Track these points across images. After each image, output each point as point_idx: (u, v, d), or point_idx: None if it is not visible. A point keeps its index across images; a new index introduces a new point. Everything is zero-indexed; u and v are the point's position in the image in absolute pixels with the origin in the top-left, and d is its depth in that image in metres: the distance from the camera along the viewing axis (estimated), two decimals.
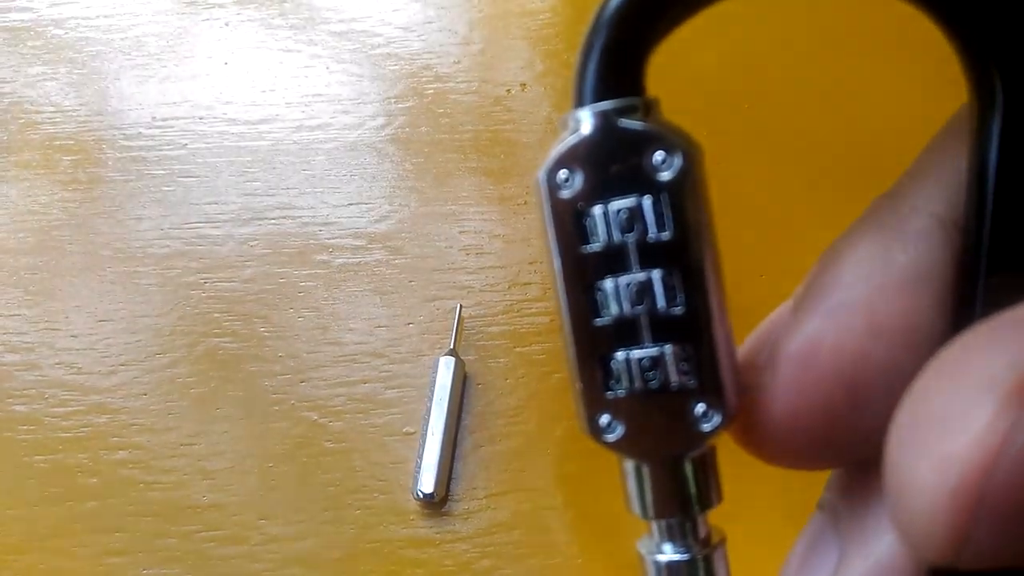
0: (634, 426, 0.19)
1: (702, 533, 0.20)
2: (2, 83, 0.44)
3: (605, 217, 0.18)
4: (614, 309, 0.19)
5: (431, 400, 0.36)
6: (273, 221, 0.40)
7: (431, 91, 0.43)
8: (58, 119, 0.43)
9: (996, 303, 0.17)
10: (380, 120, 0.43)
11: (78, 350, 0.38)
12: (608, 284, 0.19)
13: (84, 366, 0.38)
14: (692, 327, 0.19)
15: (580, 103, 0.17)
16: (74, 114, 0.43)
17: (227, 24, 0.45)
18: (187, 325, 0.38)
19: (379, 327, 0.38)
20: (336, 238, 0.40)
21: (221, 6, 0.45)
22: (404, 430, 0.36)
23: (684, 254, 0.19)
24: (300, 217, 0.40)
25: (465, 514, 0.35)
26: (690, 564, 0.20)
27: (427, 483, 0.34)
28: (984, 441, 0.14)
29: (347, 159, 0.42)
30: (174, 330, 0.38)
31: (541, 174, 0.17)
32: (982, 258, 0.18)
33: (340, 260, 0.39)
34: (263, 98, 0.43)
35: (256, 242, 0.40)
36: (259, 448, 0.36)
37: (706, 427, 0.19)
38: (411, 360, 0.37)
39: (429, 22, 0.45)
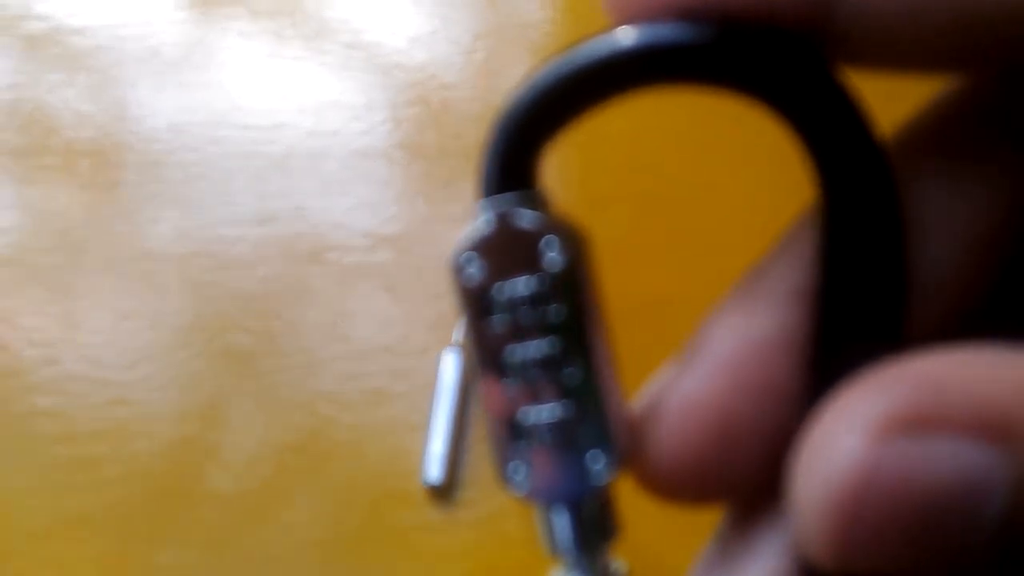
0: (537, 476, 0.22)
1: (606, 566, 0.23)
2: (23, 89, 0.46)
3: (504, 294, 0.21)
4: (518, 373, 0.21)
5: (438, 392, 0.37)
6: (286, 222, 0.42)
7: (437, 99, 0.45)
8: (78, 124, 0.45)
9: (847, 364, 0.19)
10: (388, 126, 0.44)
11: (99, 346, 0.40)
12: (513, 351, 0.21)
13: (105, 361, 0.39)
14: (584, 389, 0.21)
15: (481, 195, 0.20)
16: (94, 120, 0.45)
17: (241, 34, 0.47)
18: (204, 321, 0.40)
19: (388, 323, 0.40)
20: (346, 238, 0.42)
21: (235, 18, 0.47)
22: (412, 421, 0.38)
23: (573, 329, 0.21)
24: (312, 219, 0.42)
25: (471, 502, 0.36)
26: None
27: (435, 472, 0.36)
28: (854, 467, 0.16)
29: (357, 164, 0.43)
30: (192, 326, 0.40)
31: (451, 258, 0.20)
32: (832, 324, 0.20)
33: (350, 260, 0.41)
34: (276, 105, 0.45)
35: (270, 242, 0.42)
36: (274, 438, 0.38)
37: (599, 472, 0.21)
38: (419, 355, 0.39)
39: (434, 33, 0.47)
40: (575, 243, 0.21)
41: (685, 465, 0.21)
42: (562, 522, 0.22)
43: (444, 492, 0.36)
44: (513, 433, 0.22)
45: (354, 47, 0.46)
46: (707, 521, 0.25)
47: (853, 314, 0.20)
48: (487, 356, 0.22)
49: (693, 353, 0.22)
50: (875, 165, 0.20)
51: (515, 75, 0.50)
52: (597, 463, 0.22)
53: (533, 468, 0.22)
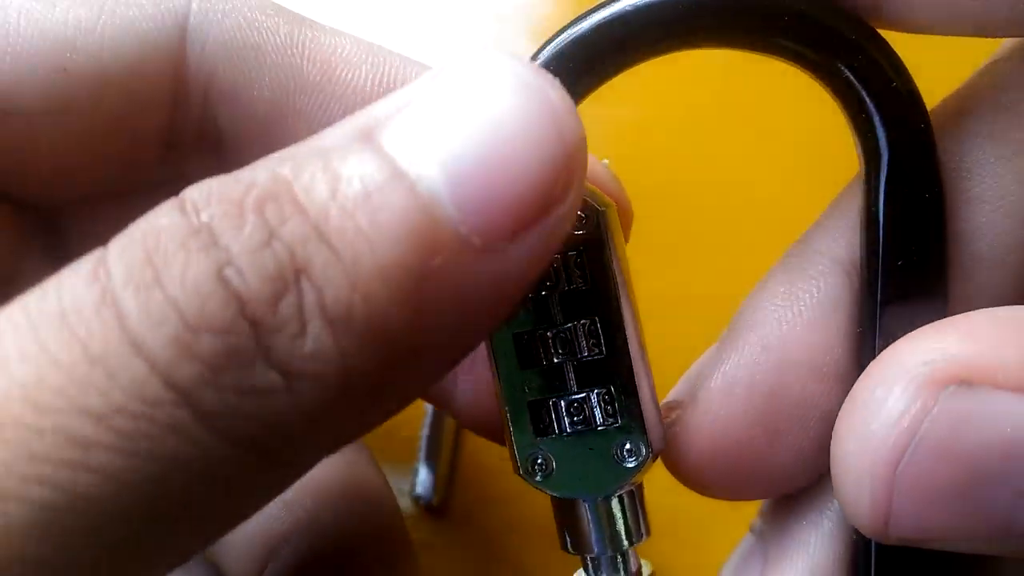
0: (563, 466, 0.21)
1: (632, 567, 0.21)
2: None
3: None
4: (542, 359, 0.20)
5: (430, 408, 0.37)
6: None
7: None
8: None
9: (891, 334, 0.18)
10: None
11: None
12: (535, 336, 0.20)
13: None
14: (613, 371, 0.20)
15: None
16: None
17: None
18: None
19: None
20: None
21: None
22: (404, 436, 0.37)
23: (601, 303, 0.20)
24: None
25: (463, 519, 0.36)
26: None
27: (426, 488, 0.36)
28: (898, 424, 0.16)
29: None
30: None
31: None
32: (877, 293, 0.20)
33: None
34: None
35: None
36: None
37: (631, 464, 0.20)
38: None
39: (430, 22, 0.45)
40: (601, 215, 0.20)
41: (724, 452, 0.20)
42: (589, 518, 0.21)
43: (436, 510, 0.36)
44: (535, 423, 0.21)
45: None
46: (724, 523, 0.23)
47: (898, 279, 0.19)
48: (507, 341, 0.20)
49: (734, 331, 0.21)
50: (918, 132, 0.19)
51: None
52: (630, 455, 0.20)
53: (557, 459, 0.21)
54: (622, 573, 0.21)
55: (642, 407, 0.20)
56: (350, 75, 0.23)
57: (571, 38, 0.19)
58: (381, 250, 0.15)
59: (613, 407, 0.20)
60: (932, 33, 0.19)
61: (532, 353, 0.20)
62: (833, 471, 0.17)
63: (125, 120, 0.22)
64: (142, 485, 0.15)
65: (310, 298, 0.15)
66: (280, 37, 0.23)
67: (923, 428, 0.15)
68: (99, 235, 0.16)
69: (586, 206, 0.20)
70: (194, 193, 0.16)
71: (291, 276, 0.15)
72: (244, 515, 0.17)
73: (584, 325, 0.20)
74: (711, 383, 0.20)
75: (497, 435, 0.24)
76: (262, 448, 0.15)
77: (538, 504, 0.37)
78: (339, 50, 0.23)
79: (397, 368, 0.16)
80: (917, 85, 0.19)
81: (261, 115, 0.23)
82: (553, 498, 0.21)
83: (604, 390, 0.20)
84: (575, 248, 0.20)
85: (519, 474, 0.21)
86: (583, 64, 0.19)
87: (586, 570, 0.22)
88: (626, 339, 0.20)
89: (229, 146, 0.24)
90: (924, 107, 0.19)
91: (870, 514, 0.17)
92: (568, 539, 0.22)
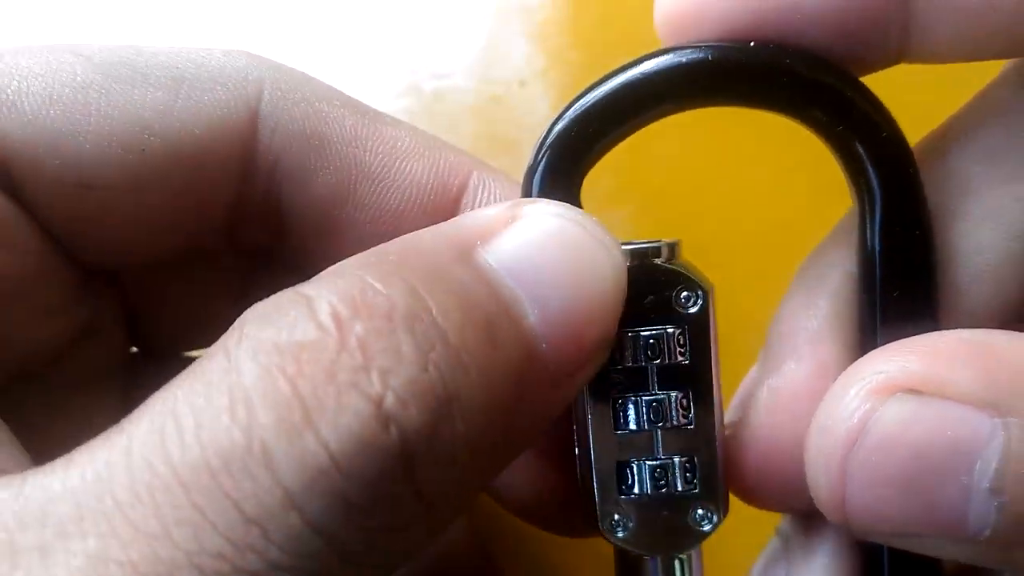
0: (642, 526, 0.22)
1: None
2: None
3: (634, 342, 0.21)
4: (633, 423, 0.22)
5: None
6: None
7: (429, 88, 0.43)
8: None
9: (895, 336, 0.20)
10: None
11: None
12: (631, 400, 0.22)
13: None
14: (698, 441, 0.22)
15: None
16: None
17: None
18: None
19: None
20: None
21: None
22: None
23: (697, 377, 0.22)
24: None
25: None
26: None
27: None
28: (849, 419, 0.18)
29: None
30: None
31: None
32: (876, 316, 0.21)
33: None
34: None
35: None
36: None
37: (706, 527, 0.22)
38: None
39: (427, 19, 0.44)
40: (707, 295, 0.21)
41: (774, 461, 0.22)
42: (654, 572, 0.23)
43: None
44: (619, 483, 0.22)
45: (342, 34, 0.44)
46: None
47: (890, 301, 0.21)
48: (603, 402, 0.22)
49: (769, 346, 0.23)
50: (907, 176, 0.21)
51: (511, 64, 0.48)
52: (704, 520, 0.22)
53: (637, 518, 0.22)
54: None
55: (719, 476, 0.22)
56: (409, 167, 0.25)
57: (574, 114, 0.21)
58: (499, 381, 0.16)
59: (694, 475, 0.22)
60: (953, 61, 0.21)
61: (625, 418, 0.22)
62: (805, 462, 0.20)
63: (194, 196, 0.24)
64: None
65: (461, 430, 0.15)
66: (345, 129, 0.24)
67: (870, 423, 0.17)
68: (163, 295, 0.16)
69: (692, 285, 0.21)
70: (329, 296, 0.16)
71: (446, 408, 0.15)
72: None
73: (678, 397, 0.21)
74: (758, 398, 0.22)
75: (531, 516, 0.26)
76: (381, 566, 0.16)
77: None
78: (399, 143, 0.25)
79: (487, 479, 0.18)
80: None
81: (322, 200, 0.24)
82: (620, 554, 0.23)
83: (686, 459, 0.22)
84: (681, 325, 0.21)
85: (595, 528, 0.22)
86: (584, 142, 0.21)
87: None
88: (714, 412, 0.22)
89: (290, 225, 0.25)
90: (911, 152, 0.21)
91: (827, 497, 0.18)
92: None
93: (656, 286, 0.21)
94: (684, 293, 0.21)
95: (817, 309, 0.22)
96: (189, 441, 0.15)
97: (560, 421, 0.21)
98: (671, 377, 0.22)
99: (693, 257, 0.39)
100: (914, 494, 0.17)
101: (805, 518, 0.23)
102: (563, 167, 0.20)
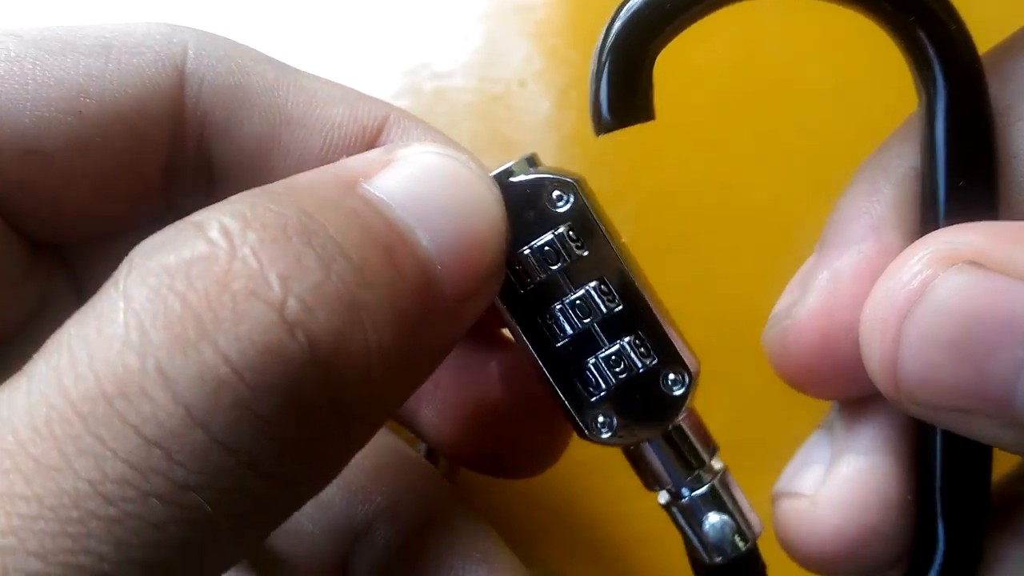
0: (623, 416, 0.22)
1: (709, 467, 0.23)
2: None
3: (534, 257, 0.22)
4: (568, 328, 0.22)
5: None
6: None
7: (429, 88, 0.43)
8: None
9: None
10: None
11: None
12: (555, 310, 0.22)
13: None
14: (635, 316, 0.22)
15: (602, 113, 0.21)
16: None
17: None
18: None
19: None
20: None
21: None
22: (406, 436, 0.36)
23: (603, 261, 0.22)
24: None
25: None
26: (712, 491, 0.23)
27: None
28: (908, 284, 0.18)
29: None
30: None
31: None
32: (939, 207, 0.21)
33: None
34: None
35: None
36: None
37: (679, 391, 0.22)
38: None
39: (427, 19, 0.44)
40: (576, 187, 0.22)
41: (830, 343, 0.22)
42: (658, 456, 0.23)
43: None
44: (584, 386, 0.22)
45: (343, 35, 0.44)
46: None
47: (953, 192, 0.21)
48: (533, 325, 0.22)
49: (829, 232, 0.23)
50: (971, 70, 0.21)
51: (510, 63, 0.48)
52: (675, 384, 0.22)
53: (616, 412, 0.22)
54: (705, 488, 0.23)
55: (672, 338, 0.22)
56: (328, 112, 0.25)
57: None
58: (403, 298, 0.16)
59: (646, 347, 0.22)
60: None
61: (559, 328, 0.22)
62: (859, 330, 0.20)
63: (131, 157, 0.25)
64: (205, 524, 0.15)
65: (373, 338, 0.15)
66: (267, 80, 0.25)
67: (929, 288, 0.18)
68: (110, 270, 0.16)
69: (559, 184, 0.22)
70: (219, 217, 0.16)
71: (355, 315, 0.15)
72: (284, 516, 0.17)
73: (596, 286, 0.22)
74: (817, 279, 0.22)
75: (460, 457, 0.27)
76: (303, 470, 0.16)
77: (535, 479, 0.37)
78: (319, 92, 0.26)
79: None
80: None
81: (249, 150, 0.25)
82: (625, 452, 0.23)
83: (632, 336, 0.22)
84: (565, 222, 0.22)
85: (586, 438, 0.22)
86: (658, 20, 0.20)
87: (673, 498, 0.23)
88: (636, 284, 0.22)
89: (220, 180, 0.26)
90: (975, 47, 0.21)
91: (880, 360, 0.18)
92: (651, 481, 0.23)
93: (529, 200, 0.22)
94: (555, 194, 0.22)
95: (881, 195, 0.22)
96: (83, 372, 0.14)
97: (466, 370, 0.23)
98: (580, 272, 0.22)
99: (693, 255, 0.39)
100: (966, 362, 0.17)
101: (854, 407, 0.23)
102: (629, 66, 0.20)
